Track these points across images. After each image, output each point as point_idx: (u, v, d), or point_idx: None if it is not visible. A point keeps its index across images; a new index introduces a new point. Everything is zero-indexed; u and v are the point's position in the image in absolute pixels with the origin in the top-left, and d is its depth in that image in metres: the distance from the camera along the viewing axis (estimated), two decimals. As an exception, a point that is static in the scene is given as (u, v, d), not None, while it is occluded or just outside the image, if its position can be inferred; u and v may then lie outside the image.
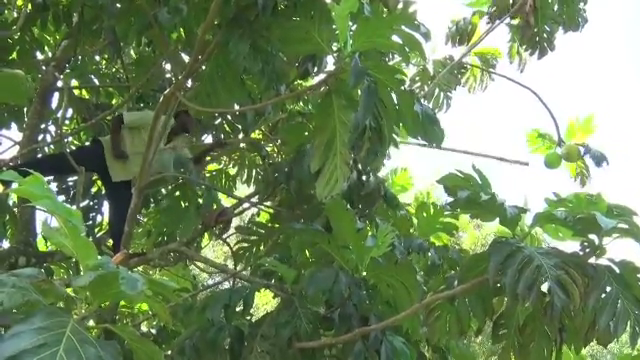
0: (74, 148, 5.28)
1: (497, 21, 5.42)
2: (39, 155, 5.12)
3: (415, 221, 4.10)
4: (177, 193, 4.91)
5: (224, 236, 4.89)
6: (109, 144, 4.72)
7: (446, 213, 3.94)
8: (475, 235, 15.00)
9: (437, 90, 5.96)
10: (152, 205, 5.33)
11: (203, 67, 3.49)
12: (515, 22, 5.57)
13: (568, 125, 4.28)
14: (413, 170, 5.07)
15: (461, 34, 5.81)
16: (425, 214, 4.03)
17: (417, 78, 6.04)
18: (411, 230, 4.05)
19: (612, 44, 44.32)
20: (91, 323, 1.71)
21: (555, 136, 4.35)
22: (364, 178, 3.69)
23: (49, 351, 1.27)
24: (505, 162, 4.45)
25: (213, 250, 13.32)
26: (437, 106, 5.98)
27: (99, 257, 1.53)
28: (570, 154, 4.24)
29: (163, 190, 5.18)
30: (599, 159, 4.15)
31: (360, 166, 3.52)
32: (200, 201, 4.79)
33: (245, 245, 4.26)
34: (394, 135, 2.68)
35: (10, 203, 4.84)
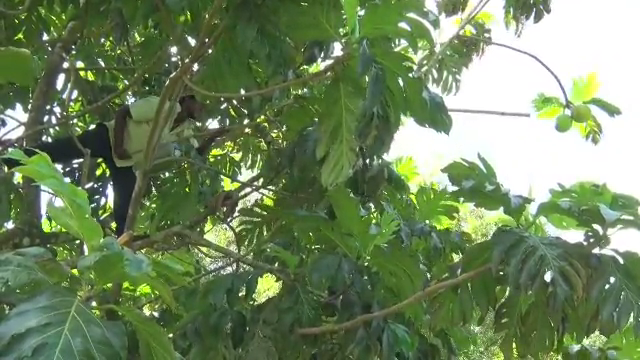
0: (79, 132, 5.28)
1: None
2: (44, 138, 5.12)
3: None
4: (176, 180, 4.91)
5: (228, 220, 4.90)
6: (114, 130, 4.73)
7: (447, 196, 3.93)
8: (476, 224, 14.99)
9: (445, 73, 5.92)
10: (154, 190, 5.33)
11: (210, 51, 3.47)
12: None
13: (573, 86, 4.20)
14: (416, 155, 5.04)
15: (454, 3, 5.72)
16: (425, 197, 4.03)
17: (424, 62, 5.98)
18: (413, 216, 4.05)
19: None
20: (94, 304, 1.71)
21: (561, 98, 4.26)
22: (368, 162, 3.69)
23: (54, 330, 1.27)
24: (506, 115, 4.45)
25: (216, 235, 13.34)
26: (446, 89, 5.94)
27: (104, 238, 1.53)
28: (580, 114, 4.15)
29: (163, 175, 5.18)
30: (612, 110, 4.05)
31: (365, 151, 3.50)
32: (201, 188, 4.79)
33: (248, 227, 4.25)
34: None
35: (15, 183, 4.83)
